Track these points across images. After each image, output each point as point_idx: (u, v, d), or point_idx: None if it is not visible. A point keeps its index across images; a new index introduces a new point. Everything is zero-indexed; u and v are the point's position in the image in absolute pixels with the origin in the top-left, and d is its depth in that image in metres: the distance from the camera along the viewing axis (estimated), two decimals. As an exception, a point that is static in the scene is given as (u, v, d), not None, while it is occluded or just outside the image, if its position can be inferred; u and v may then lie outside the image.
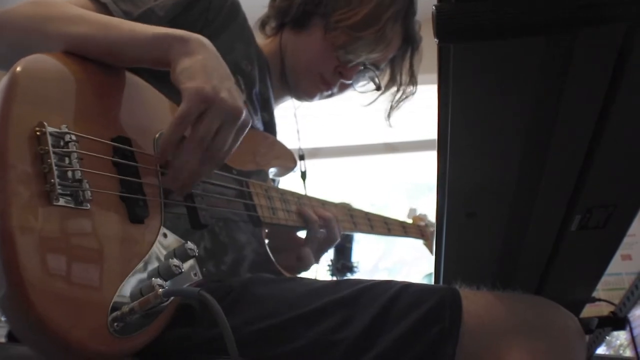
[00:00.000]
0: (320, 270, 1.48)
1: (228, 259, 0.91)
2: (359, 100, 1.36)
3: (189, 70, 0.73)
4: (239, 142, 0.78)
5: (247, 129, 0.78)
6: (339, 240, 1.18)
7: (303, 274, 1.17)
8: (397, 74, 1.28)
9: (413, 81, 1.30)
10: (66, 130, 0.65)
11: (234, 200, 0.95)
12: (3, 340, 0.88)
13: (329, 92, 1.25)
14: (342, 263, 1.68)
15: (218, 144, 0.74)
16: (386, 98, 1.33)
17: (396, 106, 1.32)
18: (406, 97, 1.31)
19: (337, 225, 1.17)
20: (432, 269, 0.77)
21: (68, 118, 0.67)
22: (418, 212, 1.66)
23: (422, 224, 1.61)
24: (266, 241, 1.04)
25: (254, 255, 0.98)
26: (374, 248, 3.04)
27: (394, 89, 1.30)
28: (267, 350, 0.71)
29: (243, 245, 0.96)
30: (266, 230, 1.05)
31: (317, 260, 1.17)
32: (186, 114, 0.72)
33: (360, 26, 1.13)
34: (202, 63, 0.74)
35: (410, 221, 1.63)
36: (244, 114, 0.76)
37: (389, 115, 1.33)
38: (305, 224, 1.13)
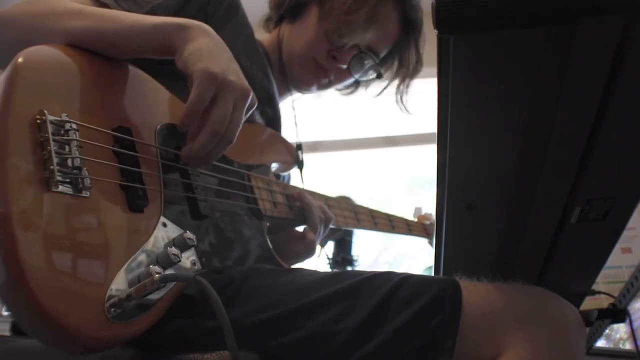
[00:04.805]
0: (320, 264, 1.49)
1: (234, 254, 0.91)
2: (368, 91, 1.37)
3: (196, 54, 0.74)
4: (243, 120, 0.79)
5: (254, 108, 0.80)
6: (321, 222, 1.17)
7: (303, 265, 1.17)
8: (405, 59, 1.28)
9: (419, 61, 1.30)
10: (67, 118, 0.65)
11: (235, 193, 0.95)
12: (7, 333, 0.89)
13: (326, 80, 1.25)
14: (343, 256, 1.68)
15: (233, 124, 0.76)
16: (388, 82, 1.33)
17: (407, 84, 1.31)
18: (414, 73, 1.30)
19: (321, 210, 1.17)
20: (432, 262, 0.77)
21: (69, 107, 0.67)
22: (423, 212, 1.65)
23: (427, 222, 1.61)
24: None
25: (258, 249, 0.98)
26: (375, 242, 3.05)
27: (402, 70, 1.30)
28: (268, 341, 0.72)
29: (248, 240, 0.96)
30: (268, 224, 1.05)
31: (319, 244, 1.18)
32: (201, 97, 0.73)
33: (352, 8, 1.14)
34: (207, 46, 0.75)
35: (415, 220, 1.62)
36: (252, 93, 0.78)
37: (401, 97, 1.33)
38: (304, 210, 1.12)
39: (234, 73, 0.76)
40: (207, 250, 0.84)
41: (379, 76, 1.28)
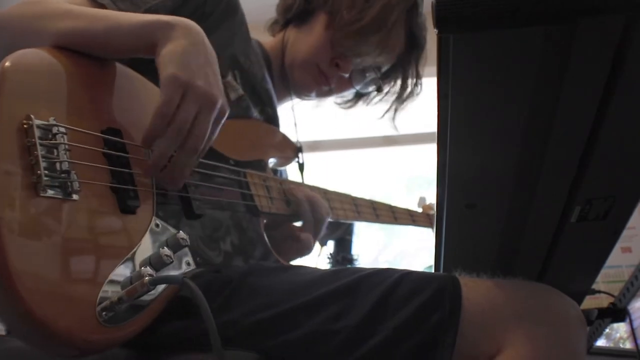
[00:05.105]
0: (320, 263, 1.48)
1: (257, 254, 0.91)
2: (374, 113, 1.37)
3: (168, 57, 0.73)
4: (217, 131, 0.78)
5: (225, 117, 0.78)
6: (325, 217, 1.16)
7: (303, 263, 1.17)
8: (408, 78, 1.28)
9: (419, 82, 1.30)
10: (54, 122, 0.65)
11: (231, 190, 0.95)
12: (3, 333, 0.88)
13: (327, 88, 1.24)
14: (342, 255, 1.67)
15: (196, 131, 0.74)
16: (389, 99, 1.33)
17: (401, 107, 1.32)
18: (411, 97, 1.30)
19: (322, 203, 1.16)
20: (432, 261, 0.77)
21: (57, 111, 0.67)
22: (428, 202, 1.64)
23: (432, 212, 1.59)
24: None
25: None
26: (375, 240, 3.05)
27: (401, 91, 1.30)
28: (268, 339, 0.71)
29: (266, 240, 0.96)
30: (264, 221, 1.05)
31: (316, 241, 1.17)
32: (166, 103, 0.71)
33: (366, 31, 1.13)
34: (182, 49, 0.73)
35: (419, 210, 1.61)
36: (220, 101, 0.75)
37: (393, 117, 1.33)
38: (293, 205, 1.11)
39: (204, 78, 0.74)
40: (229, 251, 0.84)
41: (379, 90, 1.28)
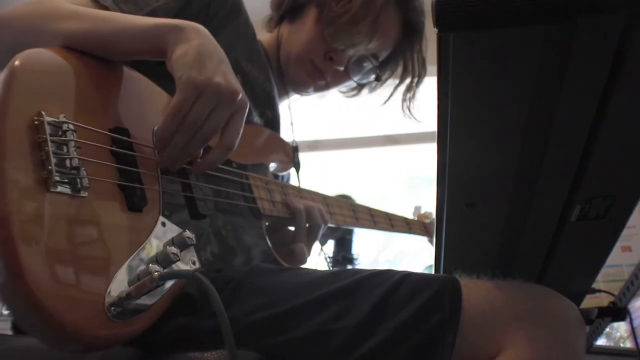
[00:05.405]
0: (320, 263, 1.49)
1: (237, 262, 0.91)
2: (373, 95, 1.35)
3: (183, 59, 0.73)
4: (242, 124, 0.79)
5: (247, 109, 0.79)
6: (322, 225, 1.16)
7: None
8: (408, 64, 1.27)
9: (423, 66, 1.28)
10: (64, 119, 0.66)
11: (234, 192, 0.96)
12: (9, 332, 0.89)
13: (323, 82, 1.23)
14: (343, 255, 1.68)
15: (210, 126, 0.75)
16: (394, 88, 1.31)
17: (414, 94, 1.30)
18: (419, 83, 1.29)
19: (319, 213, 1.16)
20: (432, 261, 0.77)
21: (66, 109, 0.68)
22: (423, 210, 1.65)
23: (427, 221, 1.60)
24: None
25: (260, 255, 0.98)
26: (375, 240, 3.05)
27: (408, 79, 1.28)
28: (268, 339, 0.72)
29: (250, 247, 0.96)
30: (267, 223, 1.05)
31: (309, 251, 1.17)
32: (180, 104, 0.73)
33: (355, 19, 1.12)
34: (196, 50, 0.74)
35: (415, 219, 1.62)
36: (241, 94, 0.76)
37: (409, 108, 1.31)
38: (292, 215, 1.11)
39: (222, 75, 0.75)
40: (209, 259, 0.84)
41: (378, 79, 1.26)
